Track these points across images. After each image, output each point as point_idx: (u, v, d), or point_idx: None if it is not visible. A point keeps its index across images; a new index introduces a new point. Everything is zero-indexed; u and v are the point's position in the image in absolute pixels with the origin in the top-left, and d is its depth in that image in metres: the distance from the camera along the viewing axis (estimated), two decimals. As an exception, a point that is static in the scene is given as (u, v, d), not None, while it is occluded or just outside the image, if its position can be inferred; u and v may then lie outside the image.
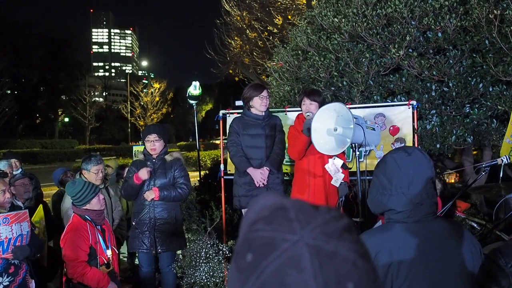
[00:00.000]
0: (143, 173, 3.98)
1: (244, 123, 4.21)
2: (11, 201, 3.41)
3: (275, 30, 13.38)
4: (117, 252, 3.67)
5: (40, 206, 4.27)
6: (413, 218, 1.53)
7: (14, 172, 5.00)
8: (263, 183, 4.04)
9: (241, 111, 4.54)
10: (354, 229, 0.57)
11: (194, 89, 7.43)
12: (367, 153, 4.22)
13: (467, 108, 4.58)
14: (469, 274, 1.50)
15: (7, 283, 2.96)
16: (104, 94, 74.35)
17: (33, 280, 3.16)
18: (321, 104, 3.86)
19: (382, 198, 1.57)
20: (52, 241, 4.89)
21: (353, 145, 3.54)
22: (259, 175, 4.02)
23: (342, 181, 3.79)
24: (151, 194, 4.01)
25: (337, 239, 0.53)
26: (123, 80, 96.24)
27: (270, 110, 4.50)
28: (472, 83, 4.44)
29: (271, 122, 4.22)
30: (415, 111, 4.33)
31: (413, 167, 1.53)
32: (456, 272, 1.50)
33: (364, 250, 0.56)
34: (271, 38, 13.16)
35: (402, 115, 4.37)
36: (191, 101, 7.65)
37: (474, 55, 4.45)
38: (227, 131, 4.92)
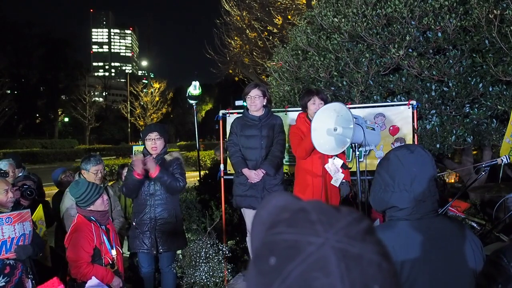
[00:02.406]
0: (138, 166, 3.87)
1: (242, 123, 4.26)
2: (14, 201, 3.41)
3: (275, 30, 13.37)
4: (121, 251, 3.67)
5: (40, 206, 4.26)
6: (416, 215, 1.53)
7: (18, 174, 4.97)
8: (262, 187, 4.07)
9: (241, 111, 4.55)
10: (374, 230, 0.57)
11: (194, 89, 7.43)
12: (367, 153, 4.22)
13: (467, 108, 4.58)
14: (470, 271, 1.50)
15: (3, 283, 2.96)
16: (104, 94, 74.39)
17: (29, 280, 3.15)
18: (327, 102, 3.92)
19: (384, 195, 1.57)
20: (53, 241, 4.88)
21: (353, 145, 3.54)
22: (254, 176, 4.06)
23: (344, 180, 3.80)
24: (152, 166, 3.87)
25: (361, 242, 0.53)
26: (123, 80, 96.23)
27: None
28: (472, 83, 4.44)
29: (270, 123, 4.19)
30: (415, 111, 4.33)
31: (415, 165, 1.54)
32: (458, 269, 1.51)
33: (386, 251, 0.56)
34: (271, 38, 13.15)
35: (402, 115, 4.37)
36: (191, 101, 7.65)
37: (474, 55, 4.45)
38: (227, 130, 4.93)
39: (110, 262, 3.33)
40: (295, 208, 0.58)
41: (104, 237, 3.33)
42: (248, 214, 4.26)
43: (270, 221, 0.58)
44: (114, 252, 3.38)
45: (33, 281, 3.18)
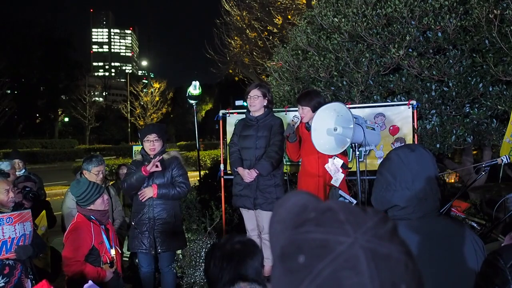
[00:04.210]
0: (151, 166, 3.96)
1: (243, 124, 4.30)
2: (15, 201, 3.41)
3: (275, 30, 13.37)
4: (120, 252, 3.67)
5: (43, 212, 4.27)
6: (417, 214, 1.53)
7: (17, 173, 4.97)
8: (256, 187, 4.09)
9: (240, 111, 4.56)
10: (397, 230, 0.58)
11: (194, 89, 7.43)
12: (367, 153, 4.22)
13: (467, 108, 4.58)
14: (472, 271, 1.50)
15: (3, 284, 2.95)
16: (104, 94, 74.33)
17: (29, 280, 3.15)
18: (315, 106, 3.79)
19: (386, 194, 1.57)
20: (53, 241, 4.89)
21: (353, 145, 3.54)
22: (247, 175, 4.08)
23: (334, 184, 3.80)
24: (149, 192, 3.97)
25: (389, 242, 0.54)
26: (123, 80, 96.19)
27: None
28: (472, 83, 4.45)
29: (268, 123, 4.16)
30: (415, 111, 4.33)
31: (417, 163, 1.55)
32: (461, 269, 1.50)
33: (410, 251, 0.57)
34: (271, 38, 13.15)
35: (402, 115, 4.37)
36: (191, 101, 7.65)
37: (474, 55, 4.45)
38: (227, 130, 4.93)
39: (109, 261, 3.33)
40: (321, 207, 0.58)
41: (104, 236, 3.33)
42: (244, 214, 4.29)
43: (294, 219, 0.59)
44: (113, 251, 3.38)
45: (34, 281, 3.18)
